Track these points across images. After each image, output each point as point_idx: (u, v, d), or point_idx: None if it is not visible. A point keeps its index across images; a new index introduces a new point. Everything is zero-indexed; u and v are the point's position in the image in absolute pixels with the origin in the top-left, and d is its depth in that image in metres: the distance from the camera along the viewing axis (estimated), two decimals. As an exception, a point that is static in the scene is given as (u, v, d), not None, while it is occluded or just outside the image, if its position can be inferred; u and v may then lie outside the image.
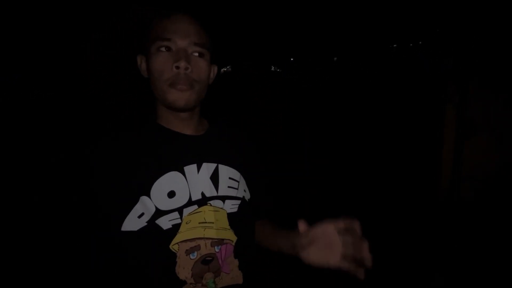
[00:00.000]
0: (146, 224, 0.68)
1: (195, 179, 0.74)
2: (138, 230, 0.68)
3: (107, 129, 0.76)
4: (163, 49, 0.71)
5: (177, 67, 0.70)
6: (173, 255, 0.70)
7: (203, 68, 0.74)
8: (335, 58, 5.08)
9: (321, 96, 5.85)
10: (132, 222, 0.68)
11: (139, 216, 0.69)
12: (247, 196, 0.84)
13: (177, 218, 0.71)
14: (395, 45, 4.31)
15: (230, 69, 6.56)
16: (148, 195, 0.69)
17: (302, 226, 0.68)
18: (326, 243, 0.66)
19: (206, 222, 0.73)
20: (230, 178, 0.80)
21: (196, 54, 0.73)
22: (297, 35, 5.42)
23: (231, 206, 0.78)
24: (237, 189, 0.81)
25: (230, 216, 0.77)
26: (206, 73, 0.75)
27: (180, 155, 0.76)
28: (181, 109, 0.75)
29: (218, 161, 0.79)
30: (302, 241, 0.68)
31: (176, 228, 0.70)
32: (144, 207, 0.69)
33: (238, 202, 0.80)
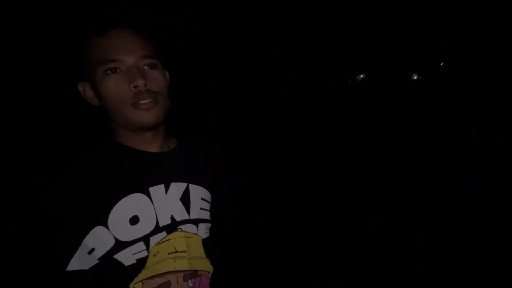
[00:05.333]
0: (98, 261, 0.58)
1: (162, 201, 0.65)
2: (89, 269, 0.58)
3: (50, 151, 0.66)
4: (110, 72, 0.63)
5: (135, 86, 0.62)
6: None
7: (160, 79, 0.67)
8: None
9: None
10: (82, 260, 0.58)
11: (89, 252, 0.58)
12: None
13: (143, 250, 0.61)
14: None
15: (363, 77, 6.05)
16: (105, 225, 0.59)
17: None
18: None
19: (176, 252, 0.63)
20: (202, 199, 0.71)
21: (148, 66, 0.65)
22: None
23: (205, 231, 0.70)
24: (209, 211, 0.73)
25: (205, 242, 0.68)
26: (164, 83, 0.68)
27: (144, 174, 0.65)
28: (151, 128, 0.67)
29: (189, 180, 0.70)
30: None
31: (141, 262, 0.60)
32: (96, 240, 0.58)
33: (209, 225, 0.72)
